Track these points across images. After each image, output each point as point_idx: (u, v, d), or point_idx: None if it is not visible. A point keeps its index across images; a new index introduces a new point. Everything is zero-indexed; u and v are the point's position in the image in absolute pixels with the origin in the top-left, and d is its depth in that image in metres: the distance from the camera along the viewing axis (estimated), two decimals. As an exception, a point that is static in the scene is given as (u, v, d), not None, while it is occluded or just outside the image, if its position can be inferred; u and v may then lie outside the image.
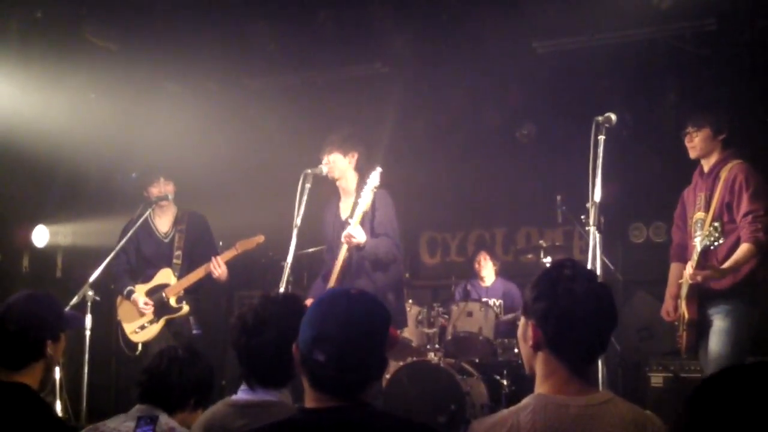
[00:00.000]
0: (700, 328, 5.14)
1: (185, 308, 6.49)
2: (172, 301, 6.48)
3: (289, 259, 5.28)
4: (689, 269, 5.06)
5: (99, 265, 5.92)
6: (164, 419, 3.21)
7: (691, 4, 6.70)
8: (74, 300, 5.58)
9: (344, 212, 5.86)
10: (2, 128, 7.25)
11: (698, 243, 4.98)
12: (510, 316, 7.81)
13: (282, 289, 5.10)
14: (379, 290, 5.55)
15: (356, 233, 5.44)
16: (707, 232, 4.89)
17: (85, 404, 5.58)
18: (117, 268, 6.53)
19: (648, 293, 8.02)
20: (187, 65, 8.08)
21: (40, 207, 8.15)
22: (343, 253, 5.57)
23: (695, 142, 5.29)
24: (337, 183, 5.89)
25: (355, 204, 5.61)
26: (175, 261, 6.61)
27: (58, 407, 5.24)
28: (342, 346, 2.21)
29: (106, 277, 6.09)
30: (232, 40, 7.80)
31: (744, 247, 4.93)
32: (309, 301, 3.21)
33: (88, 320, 5.64)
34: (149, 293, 6.50)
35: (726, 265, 5.01)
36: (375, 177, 5.47)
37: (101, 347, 6.29)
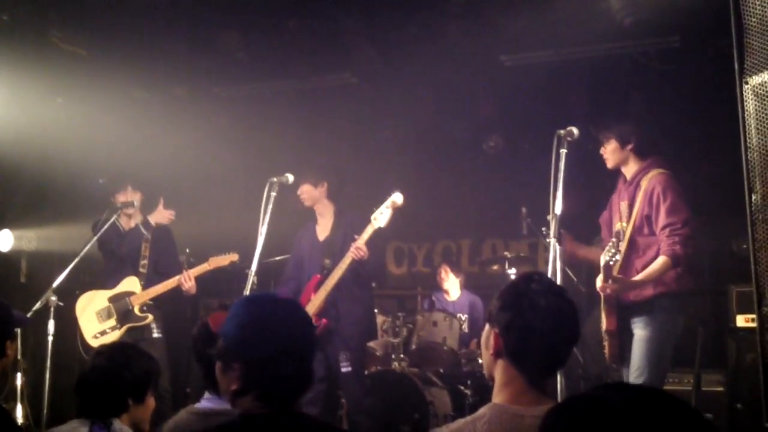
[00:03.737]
0: (622, 339, 5.19)
1: (149, 317, 6.51)
2: (137, 310, 6.48)
3: (254, 266, 5.32)
4: (599, 282, 5.15)
5: (63, 271, 5.88)
6: (118, 425, 3.21)
7: (655, 21, 6.79)
8: (37, 305, 5.54)
9: (321, 234, 6.44)
10: (-33, 132, 7.19)
11: (602, 257, 5.06)
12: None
13: (246, 297, 5.12)
14: (358, 303, 6.30)
15: (364, 248, 5.95)
16: (608, 247, 4.99)
17: (46, 410, 5.53)
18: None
19: (611, 305, 8.09)
20: (155, 72, 8.05)
21: (5, 211, 8.05)
22: (343, 267, 6.02)
23: (607, 154, 5.42)
24: (314, 209, 6.45)
25: (336, 225, 6.37)
26: (140, 269, 6.62)
27: (20, 413, 5.19)
28: (305, 357, 2.29)
29: (70, 283, 6.05)
30: (201, 48, 7.79)
31: (660, 260, 5.00)
32: None
33: (51, 326, 5.60)
34: (113, 299, 6.50)
35: (638, 277, 5.08)
36: (398, 197, 5.97)
37: (64, 353, 6.24)
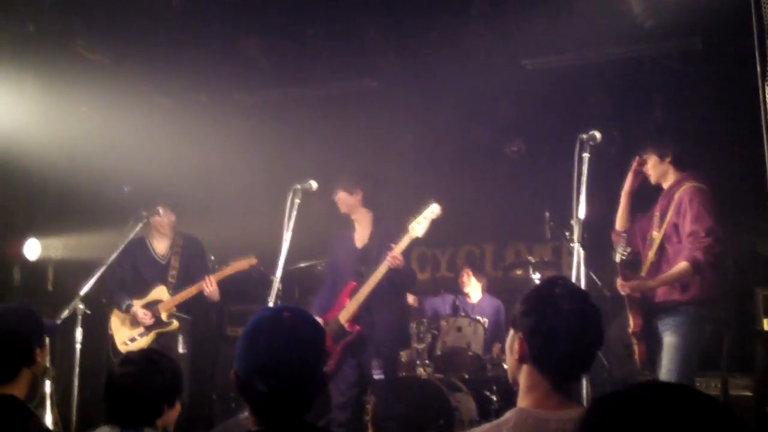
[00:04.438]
0: (650, 341, 5.23)
1: (175, 324, 6.58)
2: (164, 317, 6.56)
3: (278, 273, 5.33)
4: (618, 281, 5.17)
5: (90, 279, 5.92)
6: (148, 430, 3.24)
7: (675, 23, 6.77)
8: (65, 313, 5.58)
9: (359, 241, 6.44)
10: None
11: (616, 256, 5.16)
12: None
13: (271, 304, 5.15)
14: (392, 310, 6.31)
15: (401, 256, 6.00)
16: (619, 246, 5.10)
17: (75, 416, 5.58)
18: (112, 284, 6.57)
19: (635, 309, 8.03)
20: (178, 79, 8.12)
21: (32, 220, 8.11)
22: (379, 274, 6.04)
23: (649, 169, 5.52)
24: (351, 216, 6.47)
25: (374, 233, 6.38)
26: (170, 280, 6.70)
27: (49, 419, 5.24)
28: (284, 377, 2.21)
29: (96, 291, 6.09)
30: (223, 55, 7.84)
31: (680, 265, 5.07)
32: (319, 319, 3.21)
33: (79, 333, 5.64)
34: (144, 308, 6.57)
35: (656, 279, 5.17)
36: (435, 208, 6.01)
37: (92, 360, 6.29)
